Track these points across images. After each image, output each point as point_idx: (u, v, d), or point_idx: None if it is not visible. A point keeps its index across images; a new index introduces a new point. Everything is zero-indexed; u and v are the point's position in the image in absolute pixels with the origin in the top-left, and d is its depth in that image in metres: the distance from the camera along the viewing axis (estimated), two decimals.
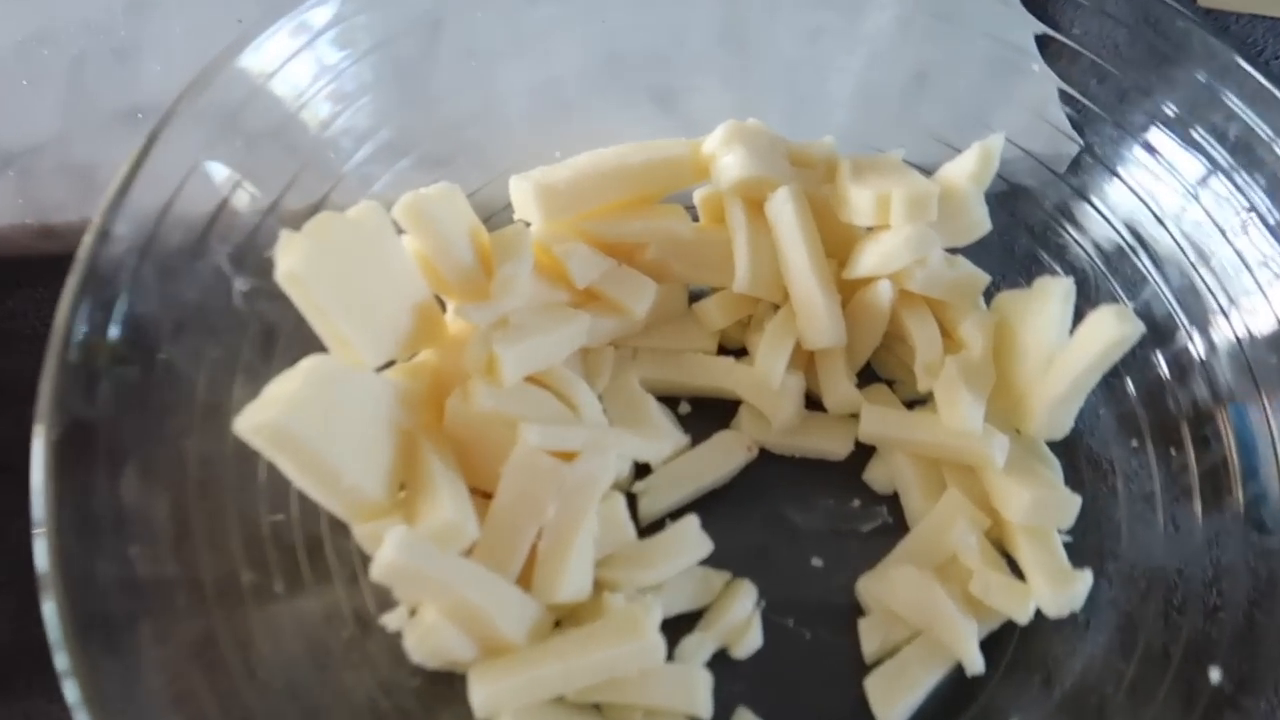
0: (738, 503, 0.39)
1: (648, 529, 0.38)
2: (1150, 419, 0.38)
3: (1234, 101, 0.36)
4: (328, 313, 0.31)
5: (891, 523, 0.39)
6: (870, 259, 0.38)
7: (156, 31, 0.48)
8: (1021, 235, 0.42)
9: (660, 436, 0.39)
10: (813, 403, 0.41)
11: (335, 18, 0.36)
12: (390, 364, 0.36)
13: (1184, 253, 0.37)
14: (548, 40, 0.42)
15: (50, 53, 0.48)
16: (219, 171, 0.33)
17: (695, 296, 0.42)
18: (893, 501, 0.39)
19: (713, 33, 0.43)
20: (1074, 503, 0.36)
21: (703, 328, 0.42)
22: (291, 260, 0.29)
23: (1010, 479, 0.36)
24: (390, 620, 0.33)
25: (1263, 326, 0.35)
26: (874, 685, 0.35)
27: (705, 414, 0.41)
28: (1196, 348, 0.37)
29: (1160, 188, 0.38)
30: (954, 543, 0.37)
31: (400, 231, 0.34)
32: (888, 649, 0.36)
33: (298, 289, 0.30)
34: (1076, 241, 0.41)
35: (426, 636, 0.32)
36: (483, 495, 0.34)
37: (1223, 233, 0.36)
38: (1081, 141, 0.40)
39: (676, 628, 0.35)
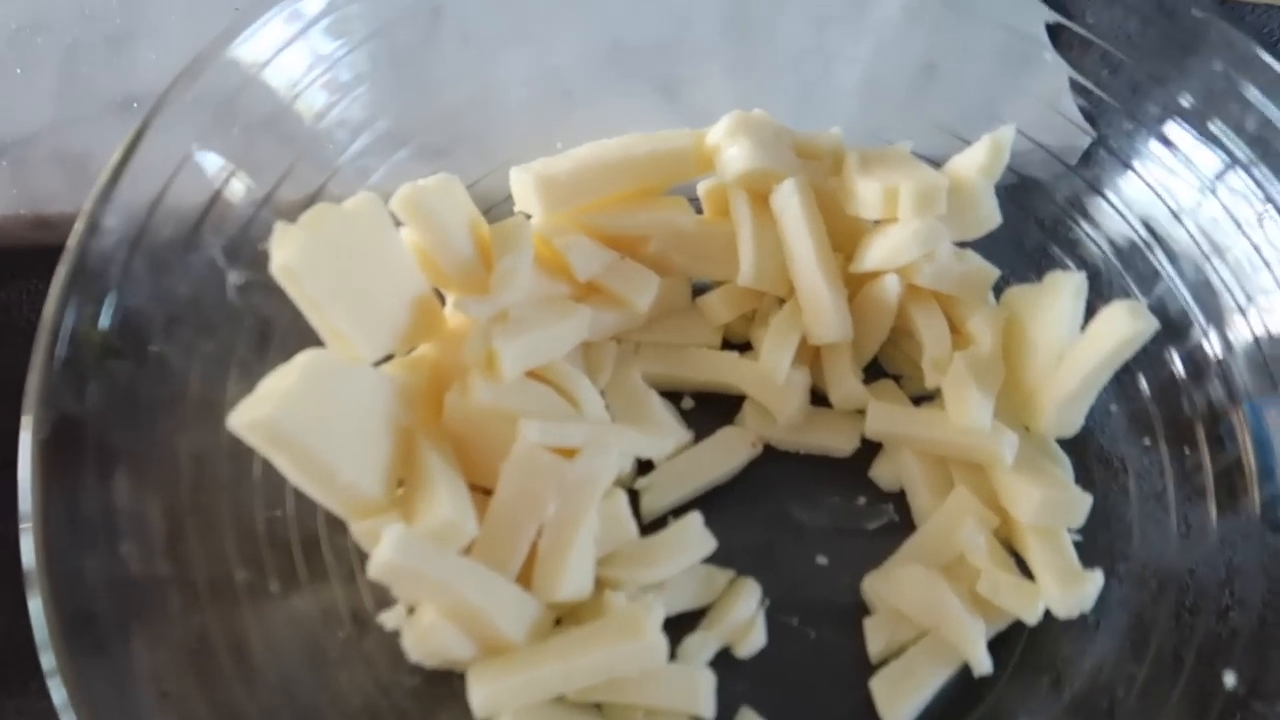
0: (741, 500, 0.39)
1: (650, 526, 0.37)
2: (1163, 417, 0.38)
3: (1252, 93, 0.35)
4: (324, 306, 0.30)
5: (898, 521, 0.39)
6: (877, 253, 0.37)
7: (151, 19, 0.48)
8: (1032, 229, 0.41)
9: (663, 432, 0.39)
10: (818, 398, 0.40)
11: (329, 6, 0.36)
12: (388, 358, 0.35)
13: (1200, 248, 0.37)
14: (549, 28, 0.41)
15: (44, 41, 0.47)
16: (212, 162, 0.32)
17: (699, 290, 0.42)
18: (899, 499, 0.39)
19: (717, 21, 0.43)
20: (1084, 502, 0.36)
21: (706, 322, 0.41)
22: (287, 253, 0.29)
23: (1019, 477, 0.36)
24: (388, 619, 0.33)
25: None
26: (879, 685, 0.35)
27: (709, 410, 0.40)
28: (1212, 345, 0.37)
29: (1175, 181, 0.38)
30: (962, 541, 0.36)
31: (398, 224, 0.34)
32: (893, 649, 0.36)
33: (293, 282, 0.30)
34: (1089, 236, 0.40)
35: (425, 635, 0.32)
36: (482, 492, 0.34)
37: (1240, 228, 0.36)
38: (1094, 133, 0.40)
39: (679, 626, 0.35)
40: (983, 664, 0.34)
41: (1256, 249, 0.35)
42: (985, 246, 0.39)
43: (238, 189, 0.33)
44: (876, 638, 0.36)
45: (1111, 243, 0.40)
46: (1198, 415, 0.37)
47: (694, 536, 0.36)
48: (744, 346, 0.41)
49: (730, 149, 0.37)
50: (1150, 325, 0.33)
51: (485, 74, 0.41)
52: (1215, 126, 0.36)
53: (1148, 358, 0.37)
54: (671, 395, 0.41)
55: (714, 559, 0.36)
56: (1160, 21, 0.37)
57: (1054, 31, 0.40)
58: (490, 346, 0.34)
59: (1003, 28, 0.41)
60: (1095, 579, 0.35)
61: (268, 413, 0.28)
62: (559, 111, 0.42)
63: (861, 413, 0.39)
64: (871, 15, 0.42)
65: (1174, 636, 0.34)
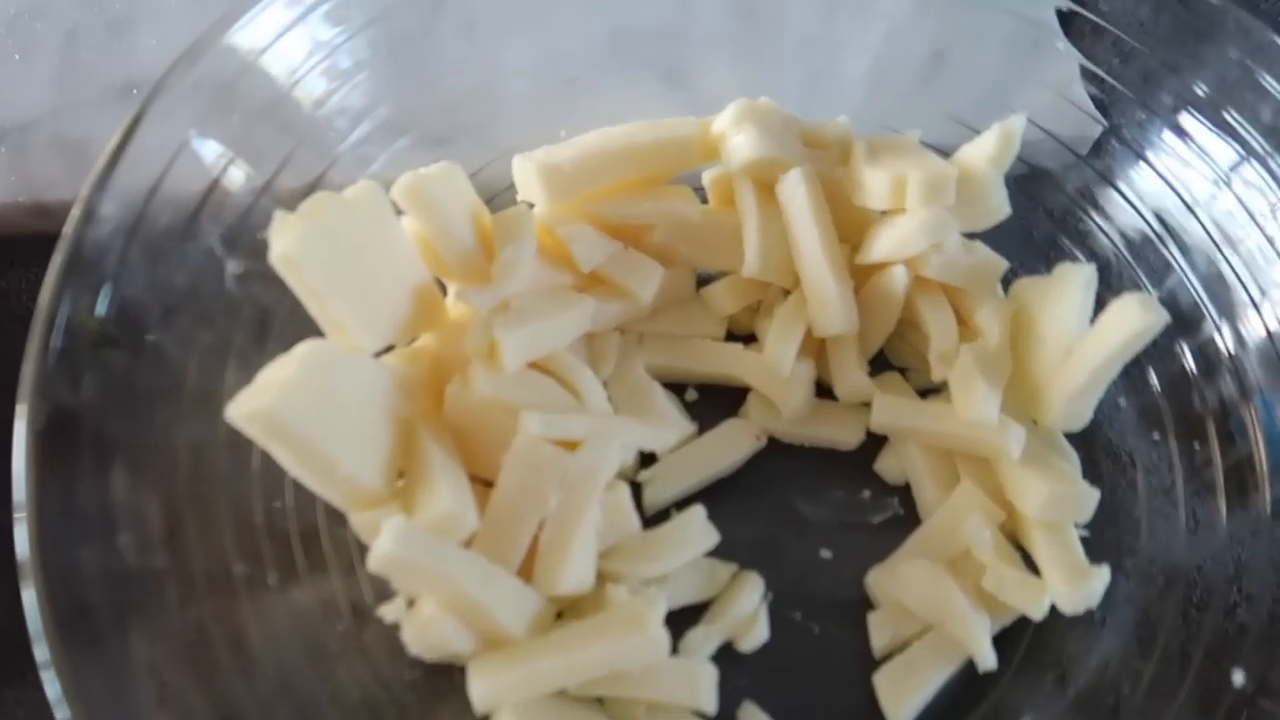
0: (745, 493, 0.38)
1: (653, 519, 0.37)
2: (1173, 411, 0.37)
3: (1268, 81, 0.35)
4: (324, 296, 0.30)
5: (903, 515, 0.38)
6: (885, 244, 0.37)
7: (152, 4, 0.48)
8: (1042, 220, 0.41)
9: (666, 425, 0.38)
10: (823, 391, 0.40)
11: None
12: (389, 349, 0.35)
13: (1213, 240, 0.37)
14: (552, 14, 0.41)
15: (43, 26, 0.47)
16: (210, 149, 0.32)
17: (703, 281, 0.41)
18: (904, 493, 0.39)
19: (723, 7, 0.43)
20: (1092, 497, 0.35)
21: (711, 313, 0.41)
22: (286, 242, 0.29)
23: (1026, 471, 0.36)
24: (388, 612, 0.33)
25: None
26: (883, 681, 0.35)
27: (713, 402, 0.40)
28: (1224, 339, 0.36)
29: (1189, 172, 0.37)
30: (967, 536, 0.36)
31: (399, 212, 0.33)
32: (898, 644, 0.36)
33: (293, 272, 0.29)
34: (1099, 227, 0.40)
35: (425, 628, 0.31)
36: (484, 484, 0.34)
37: (1254, 220, 0.35)
38: (1106, 123, 0.39)
39: (682, 620, 0.35)
40: (987, 660, 0.34)
41: (1270, 241, 0.35)
42: (994, 238, 0.38)
43: (236, 177, 0.33)
44: (880, 633, 0.36)
45: (1122, 234, 0.39)
46: (1208, 410, 0.36)
47: (697, 530, 0.36)
48: (749, 338, 0.41)
49: (736, 137, 0.37)
50: (1161, 318, 0.32)
51: (487, 61, 0.41)
52: (1230, 116, 0.36)
53: (1158, 351, 0.36)
54: (675, 387, 0.40)
55: (717, 552, 0.36)
56: (1174, 8, 0.37)
57: (1065, 18, 0.39)
58: (492, 337, 0.34)
59: (1013, 15, 0.40)
60: (1102, 575, 0.35)
61: (266, 404, 0.28)
62: (562, 99, 0.42)
63: (867, 405, 0.39)
64: (880, 2, 0.42)
65: (1181, 633, 0.33)
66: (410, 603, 0.32)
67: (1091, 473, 0.38)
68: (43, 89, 0.45)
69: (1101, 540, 0.36)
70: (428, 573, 0.30)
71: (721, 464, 0.38)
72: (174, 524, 0.29)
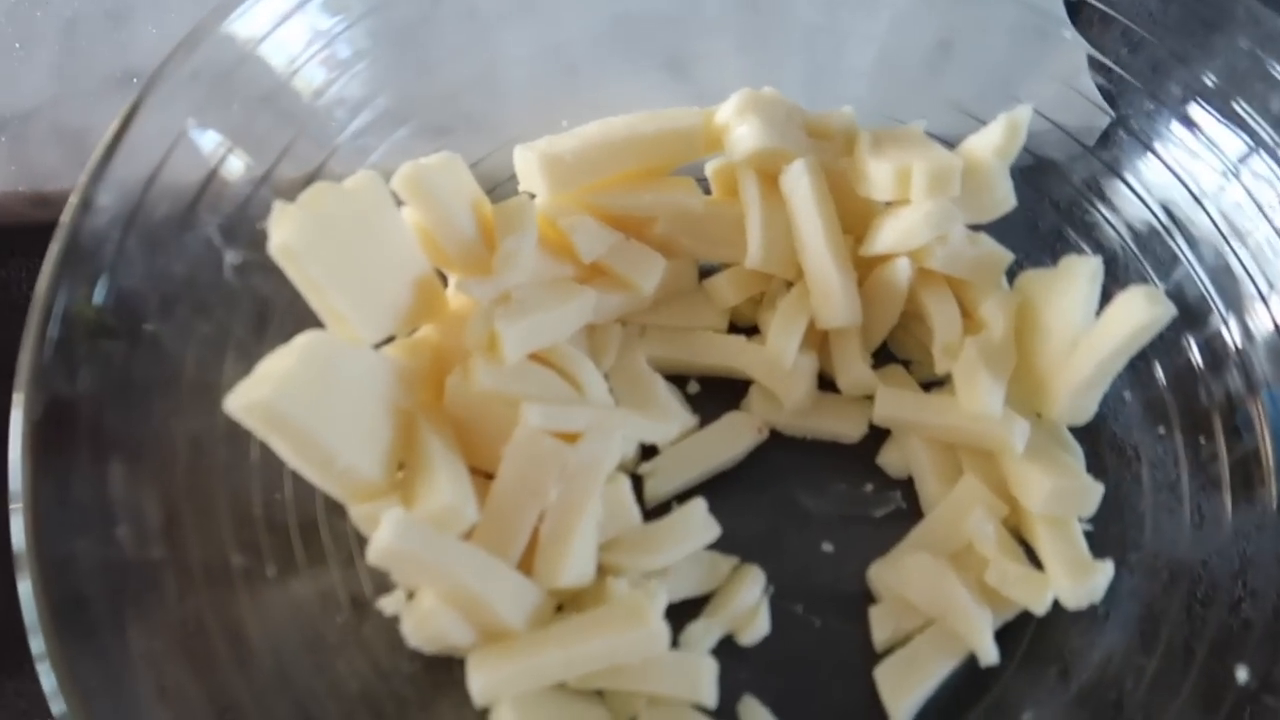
0: (747, 486, 0.38)
1: (653, 512, 0.37)
2: (1179, 406, 0.37)
3: (1279, 71, 0.34)
4: (323, 287, 0.30)
5: (905, 508, 0.38)
6: (889, 235, 0.37)
7: None
8: (1048, 212, 0.41)
9: (668, 417, 0.38)
10: (826, 384, 0.40)
11: None
12: (389, 340, 0.35)
13: (1220, 233, 0.36)
14: (554, 2, 0.41)
15: (43, 15, 0.47)
16: (208, 139, 0.32)
17: (706, 272, 0.41)
18: (907, 486, 0.39)
19: None
20: (1096, 491, 0.35)
21: (713, 305, 0.41)
22: (286, 232, 0.29)
23: (1030, 465, 0.36)
24: (387, 604, 0.33)
25: None
26: (884, 675, 0.34)
27: (714, 394, 0.40)
28: (1231, 333, 0.36)
29: (1197, 164, 0.37)
30: (970, 530, 0.36)
31: (399, 203, 0.33)
32: (899, 638, 0.35)
33: (292, 262, 0.29)
34: (1106, 219, 0.40)
35: (424, 621, 0.31)
36: (484, 476, 0.34)
37: (1263, 212, 0.35)
38: (1113, 113, 0.39)
39: (682, 613, 0.35)
40: (989, 654, 0.34)
41: (1279, 234, 0.35)
42: (999, 229, 0.38)
43: (235, 167, 0.33)
44: (882, 626, 0.36)
45: (1129, 226, 0.39)
46: (1214, 404, 0.36)
47: (698, 523, 0.36)
48: (751, 330, 0.41)
49: (739, 128, 0.37)
50: (1167, 311, 0.32)
51: (488, 50, 0.40)
52: (1239, 107, 0.36)
53: (1164, 345, 0.36)
54: (677, 379, 0.40)
55: (718, 545, 0.36)
56: None
57: (1073, 8, 0.39)
58: (492, 329, 0.33)
59: (1020, 4, 0.40)
60: (1105, 569, 0.34)
61: (266, 395, 0.28)
62: (564, 89, 0.41)
63: (870, 398, 0.39)
64: None
65: (1185, 628, 0.33)
66: (410, 595, 0.32)
67: (1096, 467, 0.37)
68: (43, 78, 0.45)
69: (1105, 535, 0.36)
70: (427, 565, 0.30)
71: (723, 457, 0.38)
72: (172, 515, 0.29)
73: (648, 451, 0.38)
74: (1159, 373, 0.38)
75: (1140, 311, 0.32)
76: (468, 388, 0.34)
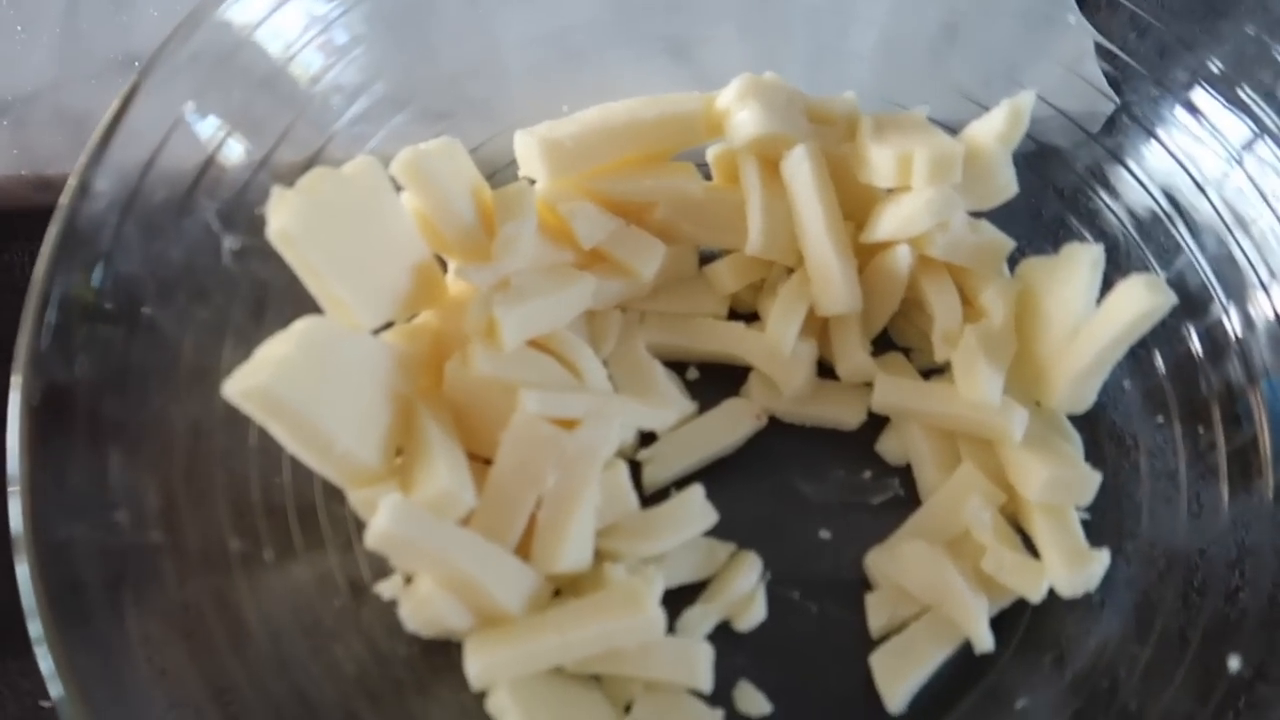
0: (745, 473, 0.38)
1: (651, 498, 0.37)
2: (1178, 394, 0.37)
3: None
4: (322, 273, 0.30)
5: (903, 495, 0.38)
6: (889, 222, 0.37)
7: None
8: (1050, 199, 0.40)
9: (666, 403, 0.38)
10: (825, 371, 0.40)
11: None
12: (388, 326, 0.35)
13: (1223, 221, 0.36)
14: None
15: None
16: (206, 124, 0.32)
17: (706, 259, 0.41)
18: (905, 474, 0.39)
19: None
20: (1093, 480, 0.35)
21: (713, 291, 0.41)
22: (284, 218, 0.29)
23: (1028, 454, 0.35)
24: (385, 588, 0.33)
25: None
26: (880, 661, 0.35)
27: (714, 381, 0.40)
28: (1231, 322, 0.36)
29: (1201, 150, 0.37)
30: (967, 518, 0.36)
31: (398, 188, 0.33)
32: (895, 625, 0.36)
33: (291, 248, 0.29)
34: (1108, 206, 0.39)
35: (422, 605, 0.32)
36: (482, 462, 0.34)
37: (1267, 200, 0.34)
38: (1118, 100, 0.39)
39: (679, 599, 0.35)
40: (984, 641, 0.34)
41: None
42: (1001, 216, 0.38)
43: (233, 152, 0.33)
44: (878, 613, 0.36)
45: (1132, 214, 0.39)
46: (1214, 394, 0.36)
47: (695, 509, 0.36)
48: (751, 317, 0.41)
49: (740, 113, 0.37)
50: (1168, 300, 0.32)
51: (488, 34, 0.40)
52: (1245, 93, 0.35)
53: (1165, 333, 0.36)
54: (676, 366, 0.40)
55: (716, 532, 0.36)
56: None
57: None
58: (491, 315, 0.33)
59: None
60: (1102, 558, 0.34)
61: (264, 381, 0.28)
62: (564, 73, 0.41)
63: (869, 386, 0.39)
64: None
65: (1180, 617, 0.33)
66: (407, 580, 0.33)
67: (1095, 455, 0.37)
68: (44, 62, 0.45)
69: (1103, 523, 0.36)
70: (425, 550, 0.30)
71: (722, 443, 0.38)
72: (170, 500, 0.29)
73: (646, 438, 0.38)
74: (1159, 361, 0.38)
75: (1141, 300, 0.32)
76: (466, 373, 0.34)
